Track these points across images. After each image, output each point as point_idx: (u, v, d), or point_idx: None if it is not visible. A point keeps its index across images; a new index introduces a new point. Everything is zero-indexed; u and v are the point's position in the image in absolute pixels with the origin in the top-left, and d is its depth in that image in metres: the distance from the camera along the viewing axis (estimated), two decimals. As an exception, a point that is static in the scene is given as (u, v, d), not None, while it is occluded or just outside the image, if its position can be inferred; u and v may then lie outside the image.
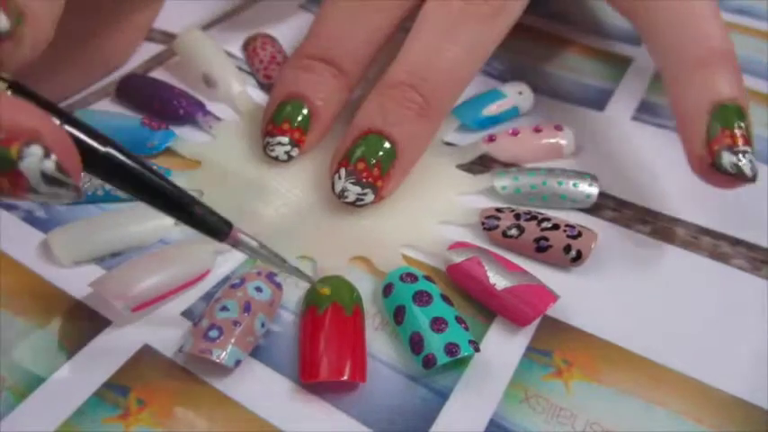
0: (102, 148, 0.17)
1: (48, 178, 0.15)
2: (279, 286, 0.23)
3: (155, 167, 0.18)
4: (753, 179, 0.23)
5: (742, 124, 0.24)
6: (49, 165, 0.15)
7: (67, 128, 0.17)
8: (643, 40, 0.28)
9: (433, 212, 0.27)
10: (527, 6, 0.28)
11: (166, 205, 0.18)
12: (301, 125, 0.27)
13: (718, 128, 0.24)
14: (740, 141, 0.23)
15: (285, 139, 0.27)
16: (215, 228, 0.19)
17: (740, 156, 0.23)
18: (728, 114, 0.24)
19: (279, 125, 0.27)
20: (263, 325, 0.22)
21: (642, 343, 0.23)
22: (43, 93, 0.19)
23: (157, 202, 0.18)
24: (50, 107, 0.17)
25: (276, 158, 0.27)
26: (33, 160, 0.15)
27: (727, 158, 0.23)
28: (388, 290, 0.23)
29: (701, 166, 0.24)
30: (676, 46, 0.26)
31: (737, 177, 0.23)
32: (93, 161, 0.17)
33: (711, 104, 0.24)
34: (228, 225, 0.19)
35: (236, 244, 0.20)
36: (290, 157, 0.27)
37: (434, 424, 0.20)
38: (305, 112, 0.27)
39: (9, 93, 0.17)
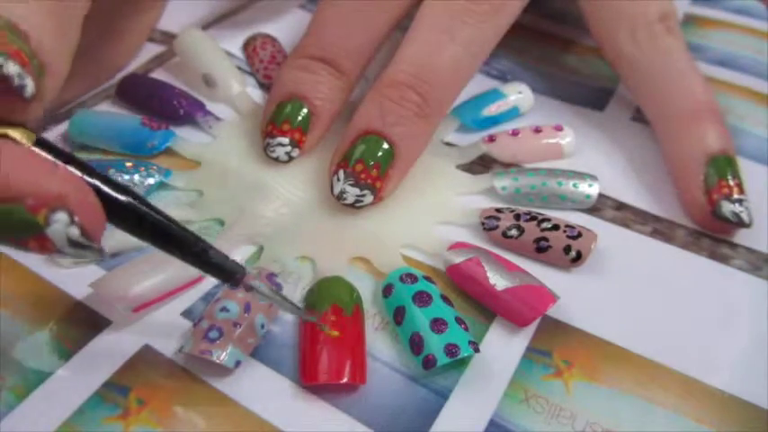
0: (122, 198, 0.18)
1: (72, 242, 0.16)
2: (279, 287, 0.23)
3: (170, 216, 0.19)
4: (750, 225, 0.26)
5: (735, 173, 0.26)
6: (74, 231, 0.16)
7: (87, 179, 0.17)
8: (629, 90, 0.31)
9: (433, 213, 0.27)
10: (527, 5, 0.29)
11: (182, 252, 0.19)
12: (301, 125, 0.27)
13: (714, 179, 0.26)
14: (736, 191, 0.26)
15: (285, 140, 0.27)
16: (229, 273, 0.19)
17: (737, 204, 0.25)
18: (722, 166, 0.26)
19: (279, 125, 0.27)
20: (263, 326, 0.22)
21: (642, 343, 0.23)
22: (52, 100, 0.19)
23: (173, 249, 0.19)
24: (70, 160, 0.17)
25: (277, 159, 0.27)
26: (59, 227, 0.16)
27: (726, 207, 0.25)
28: (388, 290, 0.23)
29: (702, 215, 0.26)
30: (665, 100, 0.29)
31: (737, 224, 0.26)
32: (111, 210, 0.17)
33: (705, 158, 0.26)
34: (242, 271, 0.20)
35: (249, 288, 0.20)
36: (290, 158, 0.27)
37: (434, 424, 0.20)
38: (304, 112, 0.27)
39: (33, 147, 0.18)
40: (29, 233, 0.15)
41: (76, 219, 0.16)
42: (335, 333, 0.21)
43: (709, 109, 0.28)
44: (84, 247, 0.16)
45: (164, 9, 0.37)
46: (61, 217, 0.15)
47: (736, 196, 0.26)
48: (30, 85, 0.18)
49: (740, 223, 0.26)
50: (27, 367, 0.21)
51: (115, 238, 0.24)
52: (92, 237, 0.16)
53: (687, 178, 0.27)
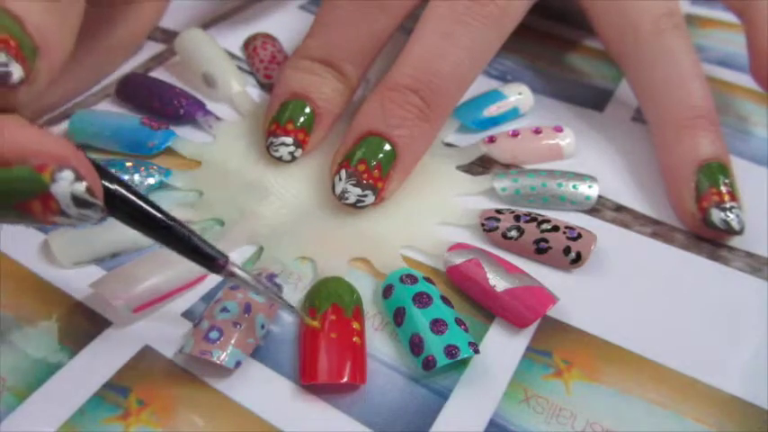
0: (110, 186, 0.18)
1: (78, 200, 0.16)
2: (279, 287, 0.23)
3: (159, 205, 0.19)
4: (740, 232, 0.25)
5: (726, 180, 0.26)
6: (79, 187, 0.16)
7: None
8: (632, 89, 0.30)
9: (433, 214, 0.27)
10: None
11: (167, 239, 0.19)
12: (305, 125, 0.27)
13: (706, 186, 0.26)
14: (727, 198, 0.26)
15: (289, 140, 0.27)
16: (210, 259, 0.19)
17: (728, 212, 0.25)
18: (713, 172, 0.26)
19: (283, 125, 0.27)
20: (263, 326, 0.22)
21: (642, 343, 0.23)
22: (55, 93, 0.19)
23: (155, 233, 0.19)
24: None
25: (280, 159, 0.27)
26: (64, 184, 0.16)
27: (716, 215, 0.25)
28: (388, 291, 0.23)
29: (693, 222, 0.26)
30: (662, 105, 0.28)
31: (727, 232, 0.26)
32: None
33: (697, 164, 0.26)
34: (224, 257, 0.19)
35: (231, 275, 0.20)
36: (293, 158, 0.27)
37: (434, 424, 0.20)
38: (308, 112, 0.27)
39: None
40: (34, 193, 0.16)
41: (81, 175, 0.16)
42: (316, 323, 0.21)
43: (705, 116, 0.27)
44: (89, 205, 0.16)
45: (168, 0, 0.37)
46: (66, 174, 0.16)
47: (726, 204, 0.25)
48: (16, 71, 0.18)
49: (730, 231, 0.25)
50: (27, 368, 0.21)
51: (115, 238, 0.24)
52: (95, 194, 0.16)
53: (678, 185, 0.27)
